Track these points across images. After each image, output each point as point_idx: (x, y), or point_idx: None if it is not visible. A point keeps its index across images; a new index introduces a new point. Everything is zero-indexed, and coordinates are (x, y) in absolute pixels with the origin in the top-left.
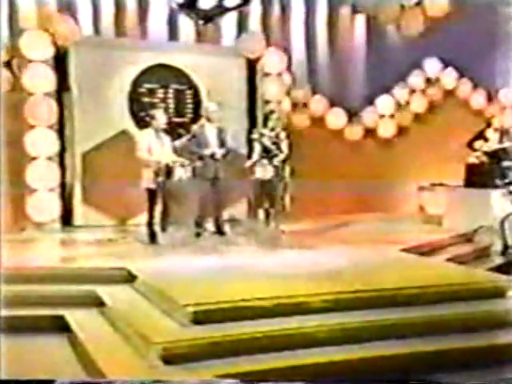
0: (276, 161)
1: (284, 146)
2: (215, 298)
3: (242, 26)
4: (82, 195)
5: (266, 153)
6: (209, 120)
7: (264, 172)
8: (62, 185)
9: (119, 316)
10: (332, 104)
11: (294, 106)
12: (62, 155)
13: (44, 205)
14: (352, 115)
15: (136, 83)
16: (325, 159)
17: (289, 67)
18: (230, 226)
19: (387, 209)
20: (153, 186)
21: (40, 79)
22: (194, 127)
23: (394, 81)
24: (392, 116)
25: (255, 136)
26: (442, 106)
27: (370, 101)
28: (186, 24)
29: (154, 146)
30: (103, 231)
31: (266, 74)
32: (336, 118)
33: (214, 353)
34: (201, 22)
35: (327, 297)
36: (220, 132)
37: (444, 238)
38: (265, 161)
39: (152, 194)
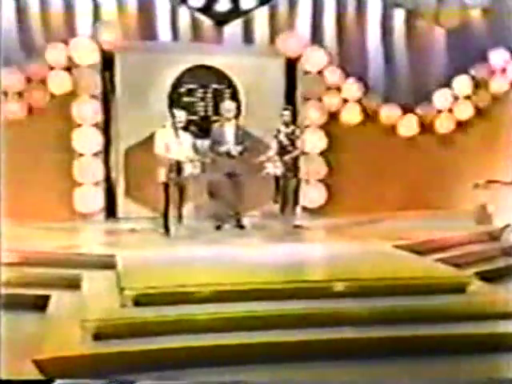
0: (288, 157)
1: (299, 142)
2: (159, 283)
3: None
4: (124, 189)
5: (282, 149)
6: (226, 118)
7: (274, 168)
8: (107, 179)
9: (87, 296)
10: (386, 99)
11: (345, 102)
12: (106, 152)
13: (89, 198)
14: (407, 111)
15: (177, 84)
16: (378, 155)
17: (339, 64)
18: (262, 221)
19: (443, 206)
20: (166, 180)
21: (87, 82)
22: (214, 126)
23: (453, 74)
24: (450, 110)
25: (273, 132)
26: (506, 100)
27: (426, 95)
28: (260, 26)
29: (172, 144)
30: (142, 223)
31: (307, 73)
32: (390, 114)
33: (144, 332)
34: (216, 24)
35: (264, 286)
36: (238, 129)
37: (464, 234)
38: (276, 157)
39: (166, 189)
